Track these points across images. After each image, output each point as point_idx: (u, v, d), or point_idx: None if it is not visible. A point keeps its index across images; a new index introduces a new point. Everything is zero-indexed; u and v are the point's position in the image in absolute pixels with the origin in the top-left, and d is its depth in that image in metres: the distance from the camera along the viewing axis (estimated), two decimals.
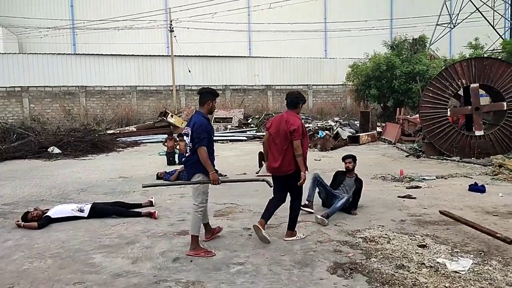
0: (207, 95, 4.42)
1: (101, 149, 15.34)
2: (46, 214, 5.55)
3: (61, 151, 14.20)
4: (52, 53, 26.79)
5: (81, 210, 5.72)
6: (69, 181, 9.14)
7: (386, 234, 4.68)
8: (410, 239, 4.50)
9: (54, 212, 5.62)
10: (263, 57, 30.24)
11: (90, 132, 16.49)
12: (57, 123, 22.74)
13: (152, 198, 6.67)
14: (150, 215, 5.73)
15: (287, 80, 29.59)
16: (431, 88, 11.58)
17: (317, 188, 6.02)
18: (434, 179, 8.27)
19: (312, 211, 5.66)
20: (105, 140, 16.26)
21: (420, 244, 4.32)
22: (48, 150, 14.15)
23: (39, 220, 5.42)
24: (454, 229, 4.88)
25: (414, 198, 6.59)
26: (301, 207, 5.09)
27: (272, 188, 4.72)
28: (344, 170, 6.16)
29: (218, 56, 29.12)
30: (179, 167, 9.25)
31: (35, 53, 26.89)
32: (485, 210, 5.76)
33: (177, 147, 11.73)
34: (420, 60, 20.37)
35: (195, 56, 28.45)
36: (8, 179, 9.70)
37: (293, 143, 4.38)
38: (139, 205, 6.40)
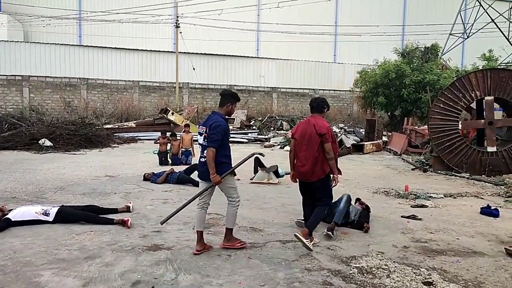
0: (229, 97, 4.44)
1: (95, 144, 14.85)
2: (6, 217, 4.97)
3: (52, 144, 13.69)
4: (55, 43, 26.35)
5: (46, 214, 5.13)
6: (50, 178, 8.58)
7: (386, 265, 4.03)
8: (414, 273, 3.85)
9: (16, 214, 5.03)
10: (270, 58, 29.62)
11: (85, 126, 15.96)
12: (56, 114, 22.27)
13: (130, 203, 6.07)
14: (123, 223, 5.13)
15: (294, 83, 28.96)
16: (443, 99, 10.89)
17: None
18: (442, 197, 7.59)
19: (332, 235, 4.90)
20: (100, 135, 15.74)
21: (426, 281, 3.67)
22: (39, 142, 13.65)
23: None
24: (465, 262, 4.22)
25: (420, 219, 5.92)
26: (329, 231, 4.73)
27: (302, 197, 4.88)
28: None
29: (224, 55, 28.55)
30: (168, 168, 8.65)
31: (38, 43, 26.46)
32: (499, 239, 5.09)
33: (169, 146, 11.15)
34: (431, 69, 19.65)
35: (201, 53, 27.89)
36: None
37: (324, 147, 4.38)
38: (115, 210, 5.81)
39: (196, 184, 8.03)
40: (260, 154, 5.11)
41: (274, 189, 8.04)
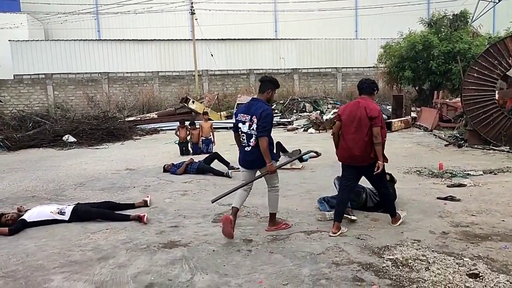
0: (269, 83, 4.41)
1: (117, 137, 14.86)
2: (22, 218, 4.84)
3: (75, 140, 13.77)
4: (74, 40, 26.57)
5: (62, 213, 4.97)
6: (72, 174, 8.52)
7: (423, 255, 3.61)
8: (457, 263, 3.42)
9: (31, 215, 4.90)
10: (289, 39, 28.84)
11: (107, 120, 15.98)
12: (80, 110, 22.58)
13: (147, 197, 5.86)
14: (139, 219, 4.91)
15: (315, 63, 28.14)
16: (476, 68, 10.11)
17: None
18: (481, 174, 7.00)
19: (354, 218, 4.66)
20: (122, 127, 15.73)
21: (471, 272, 3.24)
22: (63, 138, 13.75)
23: (12, 225, 4.72)
24: None
25: (458, 200, 5.42)
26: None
27: (341, 177, 4.61)
28: None
29: (242, 39, 28.02)
30: (184, 159, 8.41)
31: (58, 40, 26.78)
32: None
33: (189, 136, 10.92)
34: (461, 37, 18.43)
35: (218, 39, 27.47)
36: (12, 170, 9.22)
37: (372, 130, 4.19)
38: (132, 206, 5.61)
39: (216, 173, 7.78)
40: (316, 153, 4.99)
41: (298, 174, 7.67)
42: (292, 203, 5.55)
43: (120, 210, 5.41)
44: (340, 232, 4.23)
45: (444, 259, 3.52)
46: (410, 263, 3.46)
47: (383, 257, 3.61)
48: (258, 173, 4.49)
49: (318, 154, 5.05)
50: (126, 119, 19.18)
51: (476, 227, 4.38)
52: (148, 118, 21.14)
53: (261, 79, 4.51)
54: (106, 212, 5.10)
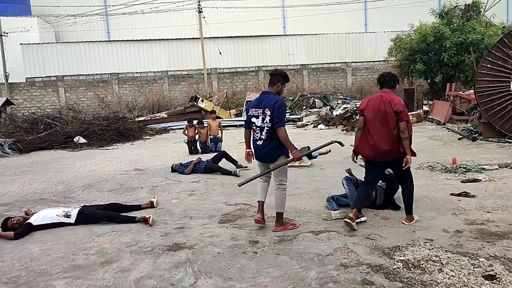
0: (279, 77, 4.43)
1: (127, 138, 14.93)
2: (28, 221, 4.82)
3: (86, 141, 13.86)
4: (84, 41, 26.77)
5: (68, 216, 4.94)
6: (81, 175, 8.54)
7: (436, 256, 3.46)
8: (472, 264, 3.26)
9: (37, 218, 4.88)
10: (298, 34, 28.60)
11: (117, 121, 16.05)
12: (92, 111, 22.77)
13: (154, 198, 5.80)
14: (145, 221, 4.85)
15: (324, 58, 27.86)
16: (490, 58, 9.82)
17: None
18: (497, 169, 6.77)
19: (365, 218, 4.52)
20: (132, 128, 15.78)
21: (487, 274, 3.08)
22: (74, 140, 13.85)
23: (18, 228, 4.71)
24: None
25: (473, 196, 5.23)
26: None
27: (365, 173, 4.56)
28: None
29: (250, 36, 27.88)
30: (193, 158, 8.34)
31: (68, 42, 27.01)
32: None
33: (198, 135, 10.86)
34: (473, 28, 18.03)
35: (226, 37, 27.37)
36: (22, 173, 9.30)
37: (399, 125, 4.13)
38: (138, 207, 5.56)
39: (224, 172, 7.70)
40: (339, 143, 4.88)
41: (306, 172, 7.53)
42: (300, 202, 5.43)
43: (126, 212, 5.36)
44: (358, 220, 4.23)
45: (458, 259, 3.36)
46: (422, 264, 3.31)
47: (394, 258, 3.47)
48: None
49: (341, 145, 4.94)
50: (136, 119, 19.25)
51: (492, 224, 4.20)
52: (158, 117, 21.20)
53: (271, 73, 4.54)
54: (111, 214, 5.05)
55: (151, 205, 5.59)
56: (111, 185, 7.35)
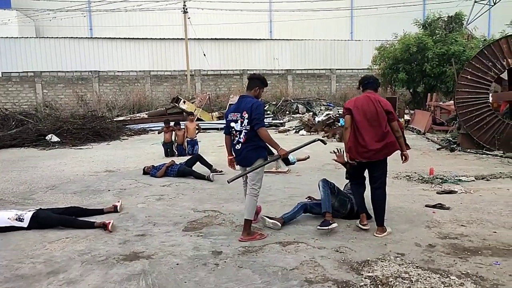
0: (256, 81, 4.39)
1: (103, 138, 14.49)
2: None
3: (59, 140, 13.37)
4: (65, 37, 26.10)
5: (20, 219, 4.59)
6: (47, 175, 8.13)
7: (406, 272, 3.27)
8: (442, 282, 3.08)
9: None
10: (283, 39, 28.57)
11: (94, 119, 15.58)
12: (70, 109, 22.14)
13: (118, 202, 5.49)
14: (104, 226, 4.54)
15: (309, 64, 27.87)
16: (470, 70, 9.83)
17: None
18: (473, 180, 6.69)
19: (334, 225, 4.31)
20: (109, 127, 15.33)
21: None
22: (46, 138, 13.34)
23: None
24: (507, 264, 3.42)
25: (448, 208, 5.10)
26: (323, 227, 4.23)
27: (349, 175, 4.60)
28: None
29: (236, 39, 27.70)
30: (168, 161, 8.04)
31: (48, 37, 26.31)
32: None
33: (174, 137, 10.55)
34: (456, 40, 18.26)
35: (211, 39, 27.12)
36: None
37: (391, 125, 4.18)
38: (100, 211, 5.24)
39: (197, 176, 7.42)
40: (322, 141, 4.85)
41: (282, 178, 7.32)
42: (272, 210, 5.20)
43: (87, 216, 5.03)
44: (385, 234, 4.15)
45: (429, 277, 3.18)
46: (391, 281, 3.11)
47: (362, 274, 3.26)
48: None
49: (324, 143, 4.90)
50: (115, 119, 18.78)
51: (466, 239, 4.05)
52: (138, 118, 20.77)
53: (249, 77, 4.50)
54: (68, 219, 4.72)
55: (114, 210, 5.28)
56: (76, 187, 6.98)
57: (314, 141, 4.79)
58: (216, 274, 3.34)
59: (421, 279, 3.14)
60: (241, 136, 4.21)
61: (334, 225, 4.25)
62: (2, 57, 24.52)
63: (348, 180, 4.88)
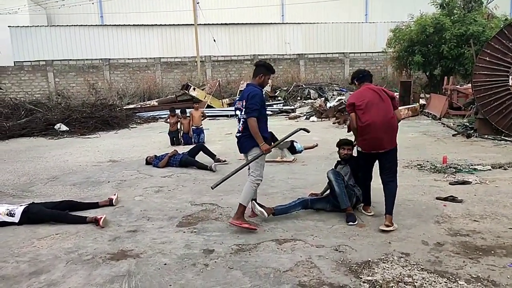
0: (261, 68, 4.30)
1: (112, 126, 14.39)
2: None
3: (68, 129, 13.35)
4: (76, 25, 26.01)
5: (11, 214, 4.47)
6: (50, 166, 8.06)
7: (410, 275, 2.99)
8: None
9: None
10: (295, 23, 27.84)
11: (103, 108, 15.51)
12: (82, 97, 22.16)
13: (114, 195, 5.33)
14: (96, 221, 4.38)
15: (321, 48, 27.13)
16: (489, 51, 9.28)
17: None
18: (490, 169, 6.30)
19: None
20: (118, 116, 15.24)
21: None
22: (55, 127, 13.34)
23: None
24: None
25: (460, 201, 4.76)
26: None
27: (359, 166, 4.47)
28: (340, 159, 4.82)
29: (246, 24, 27.12)
30: (171, 151, 7.84)
31: (59, 26, 26.27)
32: None
33: (179, 125, 10.36)
34: (475, 19, 17.40)
35: (221, 24, 26.64)
36: None
37: (395, 113, 4.14)
38: (95, 205, 5.09)
39: (200, 166, 7.22)
40: (305, 130, 4.71)
41: (287, 168, 7.05)
42: (272, 203, 4.93)
43: (81, 210, 4.90)
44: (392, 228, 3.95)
45: (434, 281, 2.90)
46: (392, 286, 2.85)
47: (361, 278, 3.00)
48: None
49: (307, 131, 4.68)
50: (125, 107, 18.70)
51: (478, 236, 3.74)
52: (148, 105, 20.63)
53: (255, 64, 4.39)
54: (60, 213, 4.57)
55: (109, 203, 5.13)
56: (77, 178, 6.87)
57: (297, 130, 4.66)
58: (204, 276, 3.13)
59: (425, 284, 2.86)
60: (240, 124, 4.22)
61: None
62: (14, 46, 24.61)
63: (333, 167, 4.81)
